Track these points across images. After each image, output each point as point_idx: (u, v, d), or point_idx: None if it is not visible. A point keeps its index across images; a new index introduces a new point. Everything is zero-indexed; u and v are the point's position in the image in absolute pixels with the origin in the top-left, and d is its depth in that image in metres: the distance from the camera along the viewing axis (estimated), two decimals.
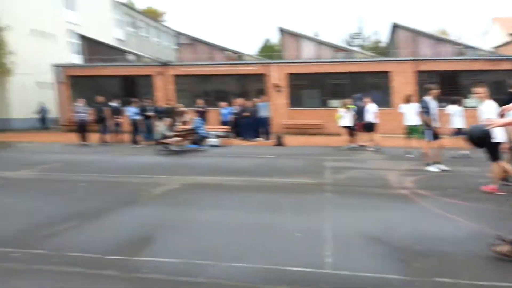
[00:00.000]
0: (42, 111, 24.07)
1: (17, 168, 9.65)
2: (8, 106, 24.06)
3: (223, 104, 18.19)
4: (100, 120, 16.01)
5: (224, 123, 17.53)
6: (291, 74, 21.41)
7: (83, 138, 15.22)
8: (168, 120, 13.72)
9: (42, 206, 6.18)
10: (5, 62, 21.10)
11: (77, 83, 23.75)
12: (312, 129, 20.58)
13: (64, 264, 3.84)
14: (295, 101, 21.60)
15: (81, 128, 15.39)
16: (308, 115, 21.15)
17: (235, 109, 18.07)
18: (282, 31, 25.06)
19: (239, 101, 17.90)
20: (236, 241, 4.50)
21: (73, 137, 15.82)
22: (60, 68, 23.40)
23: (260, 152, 12.96)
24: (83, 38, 26.13)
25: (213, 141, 15.18)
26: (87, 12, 31.24)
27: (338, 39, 49.89)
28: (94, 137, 15.63)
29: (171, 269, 3.70)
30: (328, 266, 3.76)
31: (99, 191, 7.23)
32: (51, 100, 25.54)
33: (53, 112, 25.51)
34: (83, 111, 15.54)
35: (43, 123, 24.36)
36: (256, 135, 17.33)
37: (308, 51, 24.02)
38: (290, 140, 15.97)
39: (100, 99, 16.43)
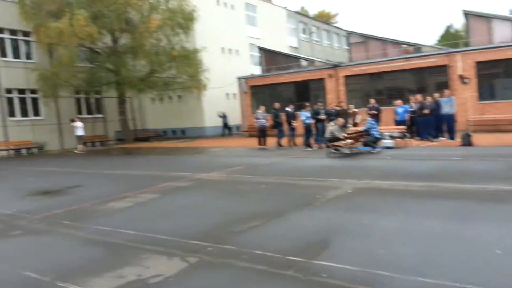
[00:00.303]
0: (224, 117, 26.85)
1: (209, 170, 11.10)
2: (202, 116, 28.08)
3: (398, 102, 17.05)
4: (277, 125, 17.09)
5: (399, 122, 16.46)
6: (480, 62, 18.66)
7: (263, 143, 16.49)
8: (339, 121, 13.66)
9: (229, 204, 6.94)
10: (202, 79, 24.68)
11: (257, 92, 26.17)
12: (507, 125, 17.52)
13: (250, 261, 4.20)
14: (486, 93, 18.78)
15: (261, 133, 16.71)
16: (502, 109, 18.09)
17: (411, 106, 16.78)
18: (467, 14, 22.08)
19: (418, 97, 16.41)
20: (418, 253, 4.13)
21: (254, 142, 17.32)
22: (243, 79, 26.11)
23: (443, 154, 11.71)
24: (262, 50, 28.59)
25: (387, 142, 14.45)
26: (265, 25, 34.21)
27: None
28: (271, 141, 16.80)
29: (349, 276, 3.63)
30: None
31: (277, 192, 7.68)
32: (235, 109, 28.76)
33: (237, 119, 28.62)
34: (262, 117, 16.86)
35: (226, 128, 27.08)
36: (437, 134, 15.71)
37: (501, 33, 20.51)
38: (480, 138, 13.94)
39: (276, 105, 17.56)
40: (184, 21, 23.36)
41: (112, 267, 4.28)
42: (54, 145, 24.08)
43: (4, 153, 20.88)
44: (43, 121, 23.89)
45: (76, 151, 20.67)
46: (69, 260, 4.61)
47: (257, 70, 30.21)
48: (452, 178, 7.96)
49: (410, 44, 23.73)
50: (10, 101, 22.66)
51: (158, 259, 4.45)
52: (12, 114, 22.66)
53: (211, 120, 28.35)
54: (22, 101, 23.33)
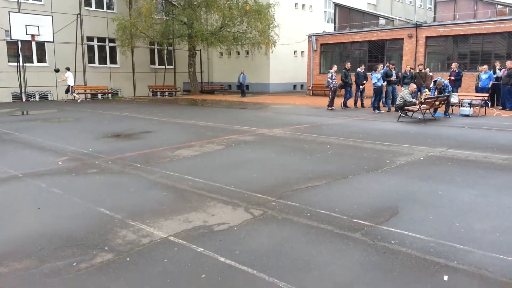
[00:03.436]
0: (242, 78, 24.16)
1: (272, 126, 11.05)
2: (268, 72, 27.83)
3: (483, 67, 15.55)
4: (345, 85, 16.49)
5: (481, 89, 15.11)
6: None
7: (331, 102, 16.01)
8: (412, 86, 12.81)
9: (293, 162, 6.86)
10: (271, 35, 24.26)
11: (327, 51, 25.25)
12: None
13: (314, 219, 4.13)
14: None
15: (333, 93, 16.16)
16: None
17: (496, 73, 15.27)
18: None
19: (509, 64, 14.80)
20: (498, 229, 3.80)
21: (318, 101, 16.90)
22: (313, 37, 25.20)
23: None
24: (337, 6, 27.21)
25: (465, 110, 13.40)
26: None
27: None
28: (338, 102, 16.28)
29: (421, 246, 3.44)
30: None
31: (344, 154, 7.46)
32: (302, 66, 28.12)
33: (302, 78, 28.04)
34: (333, 77, 16.27)
35: (241, 89, 24.54)
36: None
37: None
38: None
39: (347, 65, 16.83)
40: None
41: (179, 211, 4.45)
42: (128, 91, 25.45)
43: (82, 96, 22.41)
44: (119, 69, 25.16)
45: (73, 99, 21.48)
46: (139, 201, 4.86)
47: (330, 28, 28.98)
48: None
49: (506, 5, 21.15)
50: (90, 48, 24.02)
51: (223, 208, 4.54)
52: (91, 60, 24.06)
53: (276, 77, 28.05)
54: (101, 49, 24.64)
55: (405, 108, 12.41)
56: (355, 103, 16.58)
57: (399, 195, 4.90)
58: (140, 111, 16.03)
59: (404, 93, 12.53)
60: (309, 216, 4.23)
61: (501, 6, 21.14)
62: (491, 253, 3.29)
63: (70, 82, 20.59)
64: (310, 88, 25.32)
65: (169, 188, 5.36)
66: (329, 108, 15.91)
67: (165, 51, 26.96)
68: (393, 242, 3.54)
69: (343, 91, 17.22)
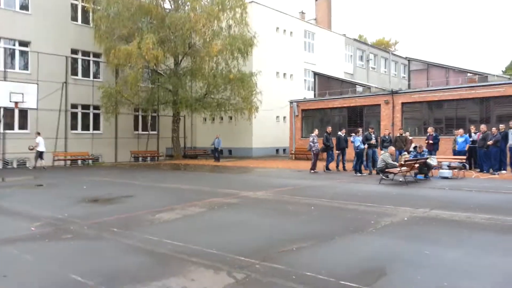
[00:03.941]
0: (217, 143, 24.24)
1: (256, 189, 10.96)
2: (251, 137, 28.28)
3: (459, 131, 16.15)
4: (327, 148, 16.76)
5: (458, 152, 15.55)
6: None
7: (313, 166, 16.15)
8: (390, 149, 13.14)
9: (277, 223, 6.71)
10: (254, 101, 25.05)
11: (308, 116, 26.05)
12: None
13: (300, 282, 3.95)
14: None
15: (315, 157, 16.36)
16: None
17: (472, 136, 15.86)
18: None
19: (483, 127, 15.46)
20: None
21: (301, 164, 17.03)
22: (295, 103, 26.11)
23: (508, 187, 10.83)
24: (316, 74, 28.61)
25: (444, 172, 13.66)
26: (322, 51, 34.45)
27: None
28: (320, 165, 16.43)
29: None
30: None
31: (328, 215, 7.36)
32: (284, 131, 28.74)
33: (285, 142, 28.54)
34: (315, 141, 16.59)
35: (215, 154, 24.41)
36: (499, 167, 14.64)
37: None
38: None
39: (328, 129, 17.28)
40: (243, 46, 24.05)
41: (157, 277, 4.19)
42: (109, 157, 25.24)
43: (61, 162, 22.07)
44: (101, 135, 25.19)
45: (38, 166, 19.82)
46: (115, 266, 4.59)
47: (310, 95, 30.20)
48: None
49: (475, 73, 22.60)
50: (73, 115, 24.17)
51: (204, 272, 4.32)
52: (74, 127, 24.10)
53: (259, 141, 28.46)
54: (85, 116, 24.82)
55: (386, 170, 12.59)
56: (337, 166, 16.77)
57: (386, 255, 4.78)
58: (121, 176, 15.79)
59: (384, 156, 12.78)
60: (295, 279, 4.04)
61: (470, 74, 22.54)
62: None
63: (41, 148, 19.76)
64: (293, 152, 25.67)
65: (147, 253, 5.10)
66: (312, 171, 16.02)
67: (149, 117, 27.32)
68: None
69: (325, 154, 17.48)
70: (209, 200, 9.19)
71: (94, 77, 25.05)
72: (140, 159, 26.34)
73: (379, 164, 12.94)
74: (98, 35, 22.94)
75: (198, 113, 26.56)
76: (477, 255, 4.77)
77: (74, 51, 24.02)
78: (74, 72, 24.19)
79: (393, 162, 12.61)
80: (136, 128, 27.34)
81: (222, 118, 29.77)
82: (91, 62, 25.13)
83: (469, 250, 4.96)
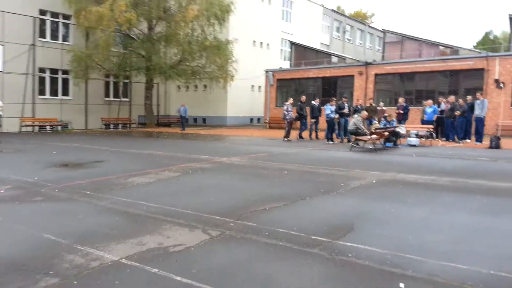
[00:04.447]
0: (182, 111, 23.42)
1: (230, 155, 11.04)
2: (226, 106, 28.10)
3: (428, 102, 16.62)
4: (301, 117, 16.92)
5: (426, 122, 16.06)
6: None
7: (287, 134, 16.31)
8: (363, 113, 13.50)
9: (251, 186, 6.85)
10: (230, 70, 24.68)
11: (283, 86, 26.03)
12: None
13: (273, 237, 4.09)
14: None
15: (289, 125, 16.49)
16: None
17: (440, 107, 16.36)
18: None
19: (452, 98, 15.98)
20: (448, 241, 3.95)
21: (275, 133, 17.17)
22: (270, 72, 25.95)
23: (471, 154, 11.33)
24: (293, 44, 28.38)
25: (412, 140, 14.12)
26: (299, 21, 34.01)
27: None
28: (294, 134, 16.63)
29: (377, 258, 3.48)
30: None
31: (301, 178, 7.54)
32: (259, 100, 28.69)
33: (259, 111, 28.56)
34: (289, 109, 16.68)
35: (181, 122, 23.72)
36: (464, 136, 15.25)
37: None
38: (508, 143, 13.47)
39: (303, 98, 17.38)
40: (220, 12, 23.38)
41: (132, 235, 4.24)
42: (79, 124, 24.59)
43: (29, 128, 21.37)
44: (71, 101, 24.42)
45: None
46: (89, 226, 4.60)
47: (286, 65, 30.06)
48: (480, 176, 7.69)
49: (447, 46, 23.06)
50: (41, 80, 23.21)
51: (180, 230, 4.40)
52: (42, 92, 23.20)
53: (234, 110, 28.36)
54: (53, 81, 23.89)
55: (357, 138, 12.89)
56: (310, 134, 17.01)
57: (354, 214, 4.99)
58: (91, 142, 15.49)
59: (356, 119, 13.03)
60: (268, 235, 4.18)
61: (443, 47, 22.99)
62: (442, 261, 3.39)
63: None
64: (267, 121, 25.76)
65: (121, 214, 5.13)
66: (285, 139, 16.19)
67: (121, 84, 26.56)
68: (350, 255, 3.56)
69: (298, 123, 17.66)
70: (183, 165, 9.20)
71: (64, 40, 23.97)
72: (112, 126, 25.79)
73: (350, 126, 13.21)
74: None
75: (172, 80, 25.98)
76: (440, 213, 5.05)
77: (42, 12, 22.79)
78: (43, 34, 23.04)
79: (363, 127, 12.92)
80: (107, 95, 26.62)
81: (196, 86, 29.34)
82: (60, 24, 23.97)
83: (432, 209, 5.24)
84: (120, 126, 26.14)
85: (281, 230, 4.32)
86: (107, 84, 26.61)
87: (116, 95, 26.93)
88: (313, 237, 4.07)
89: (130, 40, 24.53)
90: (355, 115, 13.78)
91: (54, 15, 23.52)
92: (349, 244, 3.86)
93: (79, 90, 23.97)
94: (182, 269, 3.31)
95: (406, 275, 3.14)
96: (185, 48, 23.67)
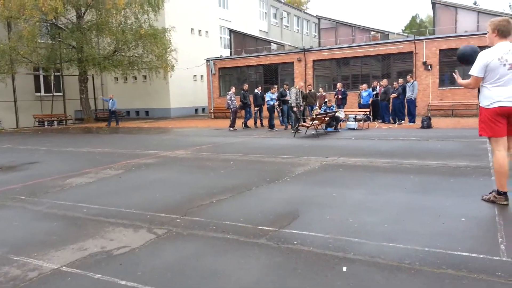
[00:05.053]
0: (110, 104, 21.58)
1: (175, 148, 10.86)
2: (168, 97, 27.43)
3: (363, 86, 17.43)
4: (245, 106, 16.99)
5: (363, 106, 16.82)
6: (444, 50, 19.28)
7: (232, 123, 16.31)
8: (300, 84, 14.47)
9: (197, 179, 6.79)
10: (169, 59, 23.98)
11: (225, 74, 25.86)
12: (464, 110, 18.35)
13: (220, 231, 4.10)
14: (446, 80, 19.47)
15: (234, 114, 16.47)
16: (460, 95, 18.88)
17: (375, 90, 17.20)
18: (435, 3, 22.59)
19: (385, 82, 16.86)
20: (386, 221, 4.18)
21: (220, 123, 17.11)
22: (211, 61, 25.63)
23: (405, 135, 12.05)
24: (232, 32, 28.15)
25: (351, 124, 14.72)
26: (237, 8, 33.74)
27: (504, 6, 43.40)
28: (239, 122, 16.67)
29: (320, 243, 3.61)
30: (504, 254, 3.21)
31: (246, 169, 7.60)
32: (202, 90, 28.31)
33: (203, 101, 28.22)
34: (232, 98, 16.65)
35: (109, 116, 22.27)
36: (398, 117, 16.18)
37: (465, 23, 21.18)
38: (439, 122, 14.48)
39: (245, 86, 17.43)
40: None
41: (72, 240, 4.05)
42: (9, 123, 22.88)
43: None
44: None
45: None
46: (24, 234, 4.32)
47: (226, 53, 29.83)
48: (414, 156, 8.20)
49: (378, 31, 24.10)
50: None
51: (123, 232, 4.26)
52: None
53: (177, 101, 27.79)
54: None
55: (300, 125, 13.23)
56: (255, 123, 17.15)
57: (298, 200, 5.13)
58: (24, 142, 14.50)
59: (292, 91, 14.23)
60: (215, 228, 4.19)
61: (374, 32, 23.99)
62: (382, 242, 3.59)
63: None
64: (212, 111, 25.58)
65: (59, 218, 4.87)
66: (231, 128, 16.20)
67: (52, 77, 24.94)
68: (295, 242, 3.66)
69: (243, 112, 17.72)
70: (126, 162, 8.90)
71: None
72: (46, 123, 24.26)
73: (291, 97, 14.37)
74: None
75: (108, 72, 24.85)
76: (378, 193, 5.33)
77: None
78: None
79: (295, 99, 14.15)
80: (38, 90, 24.94)
81: (135, 78, 28.37)
82: None
83: (371, 190, 5.52)
84: (55, 123, 24.67)
85: (228, 222, 4.33)
86: (37, 78, 24.91)
87: (48, 90, 25.29)
88: (259, 227, 4.14)
89: (58, 30, 23.03)
90: (292, 87, 14.69)
91: None
92: (294, 231, 3.97)
93: (5, 86, 22.19)
94: (127, 272, 3.23)
95: (348, 258, 3.29)
96: (118, 37, 22.65)
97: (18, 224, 4.69)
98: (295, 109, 14.52)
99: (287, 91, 16.38)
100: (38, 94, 24.83)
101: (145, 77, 27.19)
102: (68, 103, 25.93)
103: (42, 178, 7.33)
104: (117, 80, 29.16)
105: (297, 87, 14.72)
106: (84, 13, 23.09)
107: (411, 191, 5.42)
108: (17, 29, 21.30)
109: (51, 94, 24.92)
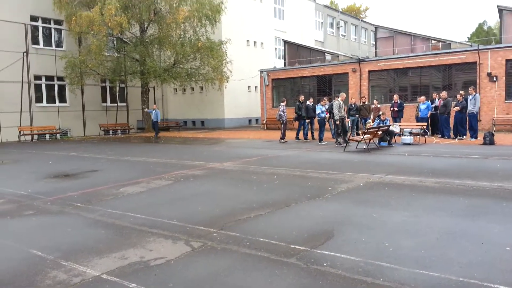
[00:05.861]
0: (154, 115, 20.74)
1: (223, 160, 11.14)
2: (223, 108, 28.17)
3: (421, 98, 16.65)
4: (299, 117, 16.93)
5: (420, 119, 16.10)
6: (511, 60, 17.98)
7: (283, 135, 16.36)
8: (343, 95, 14.19)
9: (239, 193, 6.94)
10: (224, 71, 24.75)
11: (278, 85, 26.07)
12: None
13: (253, 247, 4.18)
14: None
15: (285, 126, 16.55)
16: None
17: (435, 103, 16.40)
18: (502, 9, 21.18)
19: (444, 94, 16.00)
20: (424, 246, 4.02)
21: (272, 134, 17.24)
22: (265, 72, 26.00)
23: (463, 152, 11.39)
24: (286, 43, 28.42)
25: (406, 139, 14.17)
26: (292, 18, 34.06)
27: None
28: (290, 134, 16.69)
29: (350, 267, 3.57)
30: None
31: (289, 184, 7.63)
32: (256, 101, 28.75)
33: (256, 112, 28.62)
34: (284, 110, 16.72)
35: (155, 128, 21.01)
36: (460, 132, 15.28)
37: None
38: (503, 138, 13.51)
39: (301, 98, 17.35)
40: (211, 12, 23.48)
41: (116, 249, 4.34)
42: (78, 131, 24.73)
43: (28, 137, 21.51)
44: (68, 107, 24.54)
45: None
46: (75, 240, 4.70)
47: (280, 64, 30.08)
48: (469, 176, 7.74)
49: (439, 40, 23.02)
50: (38, 87, 23.32)
51: (163, 243, 4.49)
52: (39, 100, 23.32)
53: (231, 112, 28.44)
54: (49, 88, 24.01)
55: (350, 138, 12.99)
56: (305, 135, 17.06)
57: (335, 219, 5.08)
58: (89, 150, 15.61)
59: (335, 103, 14.13)
60: (248, 245, 4.28)
61: (434, 41, 22.96)
62: (414, 269, 3.47)
63: None
64: (264, 122, 25.84)
65: (108, 226, 5.23)
66: (282, 141, 16.26)
67: (117, 88, 26.68)
68: (325, 264, 3.65)
69: (296, 124, 17.68)
70: (176, 172, 9.30)
71: (57, 46, 24.07)
72: (110, 132, 25.94)
73: (334, 110, 14.30)
74: (57, 0, 21.93)
75: (168, 83, 26.10)
76: (421, 216, 5.13)
77: (33, 18, 22.88)
78: (36, 41, 23.17)
79: (338, 112, 13.99)
80: (104, 100, 26.76)
81: (193, 89, 29.47)
82: (52, 30, 24.08)
83: (414, 212, 5.32)
84: (119, 131, 26.27)
85: (262, 239, 4.41)
86: (103, 89, 26.75)
87: (113, 100, 27.05)
88: (292, 246, 4.16)
89: (123, 44, 24.65)
90: (335, 100, 14.49)
91: (46, 21, 23.63)
92: (326, 252, 3.95)
93: (75, 97, 24.10)
94: (159, 283, 3.41)
95: (376, 283, 3.22)
96: (178, 50, 23.74)
97: (71, 231, 5.11)
98: (337, 122, 14.26)
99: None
100: (104, 104, 26.63)
101: (201, 88, 28.17)
102: (131, 113, 27.52)
103: (99, 187, 7.89)
104: (176, 91, 30.49)
105: (339, 99, 14.43)
106: (147, 28, 24.55)
107: (457, 214, 5.15)
108: (86, 44, 23.13)
109: (116, 104, 26.63)
